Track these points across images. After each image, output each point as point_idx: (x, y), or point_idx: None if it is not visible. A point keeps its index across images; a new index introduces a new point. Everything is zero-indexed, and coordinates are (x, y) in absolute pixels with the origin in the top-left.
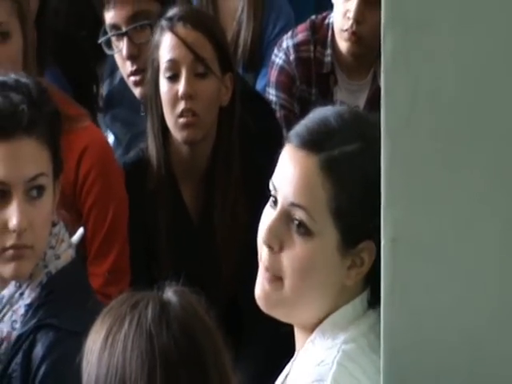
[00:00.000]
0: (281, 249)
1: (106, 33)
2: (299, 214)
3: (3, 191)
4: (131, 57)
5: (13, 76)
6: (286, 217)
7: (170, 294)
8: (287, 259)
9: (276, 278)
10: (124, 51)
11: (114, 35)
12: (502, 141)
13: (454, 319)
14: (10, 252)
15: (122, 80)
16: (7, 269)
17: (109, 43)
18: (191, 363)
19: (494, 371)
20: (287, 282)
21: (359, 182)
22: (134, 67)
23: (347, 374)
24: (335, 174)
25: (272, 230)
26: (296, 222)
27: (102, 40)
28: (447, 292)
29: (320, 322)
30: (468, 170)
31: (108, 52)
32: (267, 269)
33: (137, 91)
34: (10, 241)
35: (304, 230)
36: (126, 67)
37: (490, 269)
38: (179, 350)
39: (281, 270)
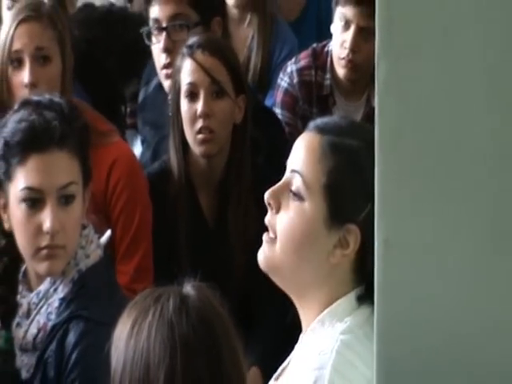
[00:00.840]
0: (278, 210)
1: (147, 26)
2: (296, 181)
3: (38, 198)
4: (167, 50)
5: (47, 96)
6: (286, 185)
7: (188, 288)
8: (280, 220)
9: (272, 239)
10: (161, 44)
11: (155, 29)
12: (483, 158)
13: (439, 310)
14: (45, 251)
15: (154, 88)
16: (42, 266)
17: (149, 36)
18: (207, 348)
19: (477, 353)
20: (278, 241)
21: (352, 171)
22: (168, 60)
23: (346, 361)
24: (333, 155)
25: (274, 192)
26: (293, 189)
27: (143, 30)
28: (433, 286)
29: (316, 305)
30: (450, 181)
31: (147, 43)
32: (267, 229)
33: (166, 84)
34: (44, 242)
35: (297, 195)
36: (160, 60)
37: (470, 266)
38: (197, 336)
39: (275, 231)
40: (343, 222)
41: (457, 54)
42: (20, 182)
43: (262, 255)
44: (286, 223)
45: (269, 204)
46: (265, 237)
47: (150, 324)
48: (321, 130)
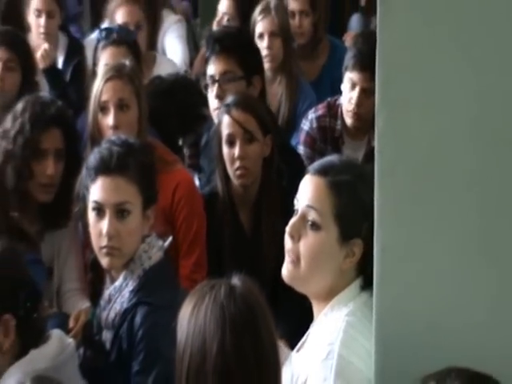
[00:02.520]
0: (298, 239)
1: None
2: (312, 214)
3: (100, 209)
4: (218, 97)
5: (121, 136)
6: (303, 217)
7: (235, 280)
8: (303, 246)
9: (294, 262)
10: (214, 93)
11: (210, 82)
12: (461, 184)
13: (423, 299)
14: (104, 250)
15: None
16: (104, 261)
17: (206, 87)
18: (249, 325)
19: (450, 328)
20: (303, 262)
21: (352, 200)
22: (219, 105)
23: (350, 337)
24: (336, 191)
25: (293, 226)
26: (309, 221)
27: (203, 83)
28: (420, 281)
29: (328, 299)
30: (434, 203)
31: (204, 91)
32: (289, 254)
33: (214, 115)
34: (103, 242)
35: (315, 225)
36: (213, 104)
37: (446, 267)
38: (242, 316)
39: (298, 254)
40: (350, 238)
41: (440, 106)
42: (92, 195)
43: (287, 273)
44: (308, 249)
45: (291, 236)
46: (288, 259)
47: (206, 306)
48: (322, 173)
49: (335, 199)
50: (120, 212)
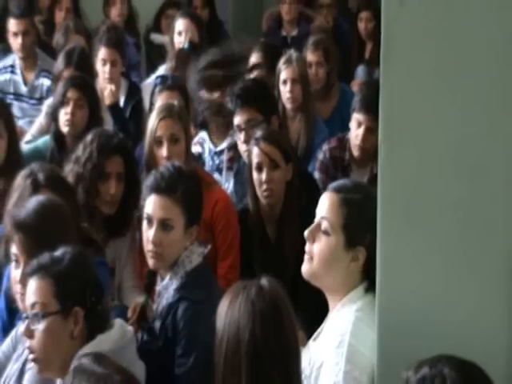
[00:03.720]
0: (313, 242)
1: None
2: (324, 224)
3: (150, 220)
4: (246, 142)
5: (175, 164)
6: (318, 225)
7: (264, 280)
8: (316, 248)
9: (310, 260)
10: (242, 139)
11: (238, 130)
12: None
13: (417, 295)
14: (150, 253)
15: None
16: (150, 262)
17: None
18: (275, 319)
19: (441, 317)
20: (315, 261)
21: (358, 214)
22: (246, 148)
23: (359, 329)
24: (346, 206)
25: (310, 231)
26: (323, 229)
27: (232, 131)
28: (415, 285)
29: (340, 295)
30: (425, 222)
31: (234, 137)
32: (307, 254)
33: (245, 155)
34: (149, 247)
35: (326, 232)
36: (242, 147)
37: (438, 273)
38: (269, 311)
39: (313, 254)
40: (355, 245)
41: (429, 143)
42: (146, 208)
43: (304, 269)
44: (319, 250)
45: (308, 239)
46: (305, 258)
47: (240, 302)
48: (337, 190)
49: (344, 212)
50: (164, 225)
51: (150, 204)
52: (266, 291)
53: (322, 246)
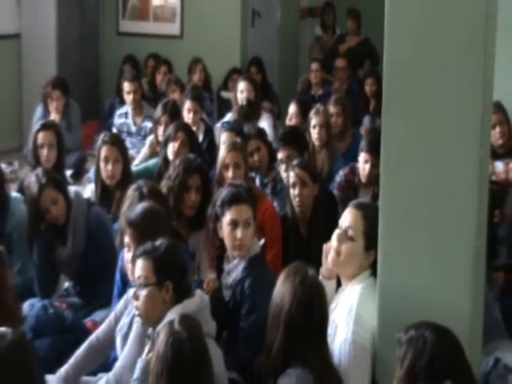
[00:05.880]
0: (341, 243)
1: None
2: (350, 231)
3: (236, 223)
4: (286, 171)
5: (242, 183)
6: (345, 232)
7: (308, 271)
8: (343, 248)
9: (337, 255)
10: (283, 168)
11: (281, 162)
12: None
13: (408, 283)
14: (238, 246)
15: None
16: (235, 253)
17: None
18: (307, 303)
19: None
20: (341, 256)
21: (374, 225)
22: (286, 175)
23: (363, 301)
24: (365, 219)
25: (339, 235)
26: (349, 235)
27: (276, 164)
28: (405, 272)
29: (351, 279)
30: (415, 230)
31: (277, 168)
32: (334, 250)
33: (285, 180)
34: (237, 242)
35: (351, 238)
36: (284, 175)
37: (426, 268)
38: (304, 297)
39: (340, 252)
40: (370, 248)
41: (413, 175)
42: (227, 216)
43: (332, 261)
44: (345, 250)
45: (337, 240)
46: (332, 253)
47: (288, 283)
48: (358, 208)
49: (365, 224)
50: (247, 224)
51: (234, 211)
52: (307, 281)
53: (348, 247)
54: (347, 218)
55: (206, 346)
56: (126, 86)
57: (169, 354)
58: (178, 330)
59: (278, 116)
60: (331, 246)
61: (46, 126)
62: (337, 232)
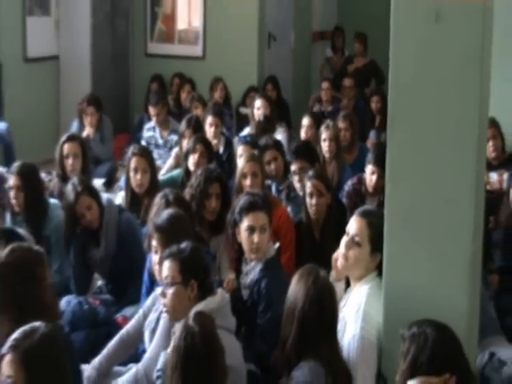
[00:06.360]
0: (349, 249)
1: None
2: (357, 238)
3: (253, 229)
4: (299, 181)
5: (258, 191)
6: (352, 239)
7: (320, 273)
8: (350, 254)
9: (346, 260)
10: (296, 179)
11: (294, 173)
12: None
13: (410, 284)
14: (254, 249)
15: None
16: (254, 255)
17: None
18: (318, 301)
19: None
20: (349, 261)
21: (379, 231)
22: (301, 185)
23: (370, 300)
24: (370, 226)
25: (347, 243)
26: (355, 241)
27: (289, 175)
28: (408, 274)
29: (359, 280)
30: (417, 235)
31: (290, 178)
32: (343, 256)
33: (298, 189)
34: (254, 246)
35: (358, 244)
36: (297, 185)
37: (426, 267)
38: (316, 294)
39: (348, 257)
40: (375, 252)
41: (415, 183)
42: (247, 221)
43: (340, 266)
44: (353, 255)
45: (345, 247)
46: (341, 259)
47: (301, 283)
48: (364, 216)
49: (370, 231)
50: (262, 229)
51: (251, 218)
52: (319, 281)
53: (355, 253)
54: (354, 225)
55: (217, 341)
56: (151, 109)
57: (182, 347)
58: (192, 326)
59: (289, 126)
60: (340, 252)
61: (71, 138)
62: (345, 239)
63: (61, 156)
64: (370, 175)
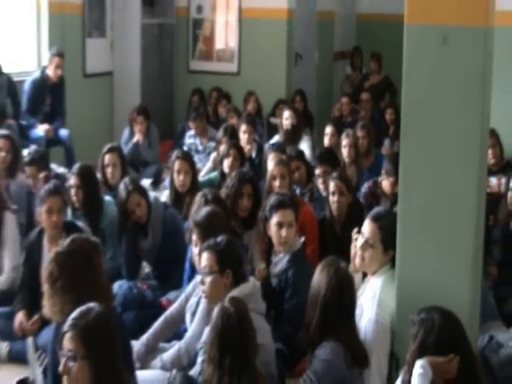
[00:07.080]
0: (364, 250)
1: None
2: (370, 241)
3: (281, 225)
4: (323, 183)
5: (286, 192)
6: (366, 241)
7: (341, 264)
8: (366, 254)
9: (362, 260)
10: (320, 181)
11: (318, 177)
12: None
13: (420, 276)
14: (283, 242)
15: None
16: (282, 247)
17: None
18: (339, 290)
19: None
20: (365, 261)
21: (390, 233)
22: (322, 185)
23: (385, 288)
24: (382, 230)
25: (362, 245)
26: (369, 244)
27: (314, 178)
28: (418, 268)
29: (375, 272)
30: (428, 235)
31: (314, 181)
32: (359, 256)
33: (321, 190)
34: (283, 240)
35: (372, 246)
36: (321, 188)
37: (434, 264)
38: (337, 284)
39: (364, 257)
40: (387, 249)
41: (424, 189)
42: (276, 218)
43: (357, 265)
44: (368, 256)
45: (361, 249)
46: (357, 259)
47: (324, 273)
48: (375, 220)
49: (381, 233)
50: (290, 225)
51: (280, 215)
52: (339, 272)
53: (370, 253)
54: (367, 229)
55: (250, 321)
56: (190, 124)
57: (219, 325)
58: (227, 307)
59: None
60: (356, 252)
61: (111, 149)
62: (360, 241)
63: (102, 165)
64: (385, 179)
